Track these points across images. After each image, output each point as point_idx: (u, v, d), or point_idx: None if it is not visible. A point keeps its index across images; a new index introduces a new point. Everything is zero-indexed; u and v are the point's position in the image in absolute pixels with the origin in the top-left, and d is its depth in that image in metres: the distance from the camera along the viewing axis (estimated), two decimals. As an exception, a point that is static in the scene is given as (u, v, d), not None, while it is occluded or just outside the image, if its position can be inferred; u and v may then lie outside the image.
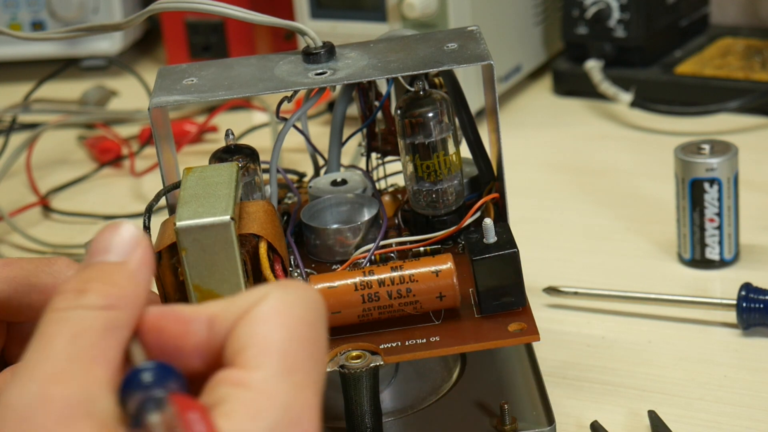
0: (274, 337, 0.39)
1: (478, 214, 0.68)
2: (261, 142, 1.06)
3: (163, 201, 0.65)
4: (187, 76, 0.67)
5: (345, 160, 0.77)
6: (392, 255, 0.68)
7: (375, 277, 0.62)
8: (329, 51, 0.67)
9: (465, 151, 0.70)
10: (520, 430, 0.65)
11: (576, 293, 0.80)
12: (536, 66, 1.23)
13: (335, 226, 0.70)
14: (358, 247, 0.69)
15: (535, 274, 0.81)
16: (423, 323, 0.63)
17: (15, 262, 0.57)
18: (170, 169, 0.67)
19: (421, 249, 0.68)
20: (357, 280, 0.62)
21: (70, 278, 0.41)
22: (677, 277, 0.84)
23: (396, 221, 0.71)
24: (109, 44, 1.35)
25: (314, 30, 0.67)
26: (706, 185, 0.81)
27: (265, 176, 0.70)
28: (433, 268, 0.62)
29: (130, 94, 1.27)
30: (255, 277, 0.60)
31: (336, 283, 0.62)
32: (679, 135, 1.06)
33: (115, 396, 0.38)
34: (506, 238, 0.63)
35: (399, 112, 0.68)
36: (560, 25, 1.18)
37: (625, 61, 1.15)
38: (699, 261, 0.84)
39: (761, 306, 0.75)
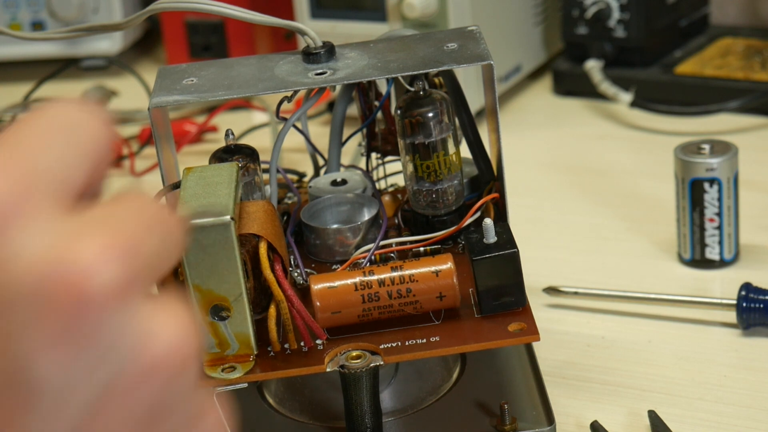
0: None
1: (478, 214, 0.68)
2: (261, 142, 1.05)
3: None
4: (187, 76, 0.67)
5: (345, 160, 0.77)
6: (392, 255, 0.68)
7: (375, 277, 0.62)
8: (329, 51, 0.67)
9: (465, 151, 0.70)
10: (520, 430, 0.65)
11: (576, 293, 0.80)
12: (536, 66, 1.23)
13: (335, 226, 0.70)
14: (358, 247, 0.69)
15: (535, 274, 0.81)
16: (423, 323, 0.63)
17: None
18: (170, 169, 0.67)
19: (421, 249, 0.68)
20: (357, 280, 0.62)
21: None
22: (677, 277, 0.84)
23: (396, 221, 0.71)
24: (109, 44, 1.35)
25: (314, 30, 0.67)
26: (706, 185, 0.81)
27: (265, 176, 0.70)
28: (433, 268, 0.62)
29: (130, 94, 1.27)
30: (255, 277, 0.60)
31: (336, 283, 0.62)
32: (679, 135, 1.06)
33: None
34: (506, 238, 0.63)
35: (399, 112, 0.68)
36: (560, 25, 1.18)
37: (625, 61, 1.15)
38: (699, 261, 0.84)
39: (761, 306, 0.75)
